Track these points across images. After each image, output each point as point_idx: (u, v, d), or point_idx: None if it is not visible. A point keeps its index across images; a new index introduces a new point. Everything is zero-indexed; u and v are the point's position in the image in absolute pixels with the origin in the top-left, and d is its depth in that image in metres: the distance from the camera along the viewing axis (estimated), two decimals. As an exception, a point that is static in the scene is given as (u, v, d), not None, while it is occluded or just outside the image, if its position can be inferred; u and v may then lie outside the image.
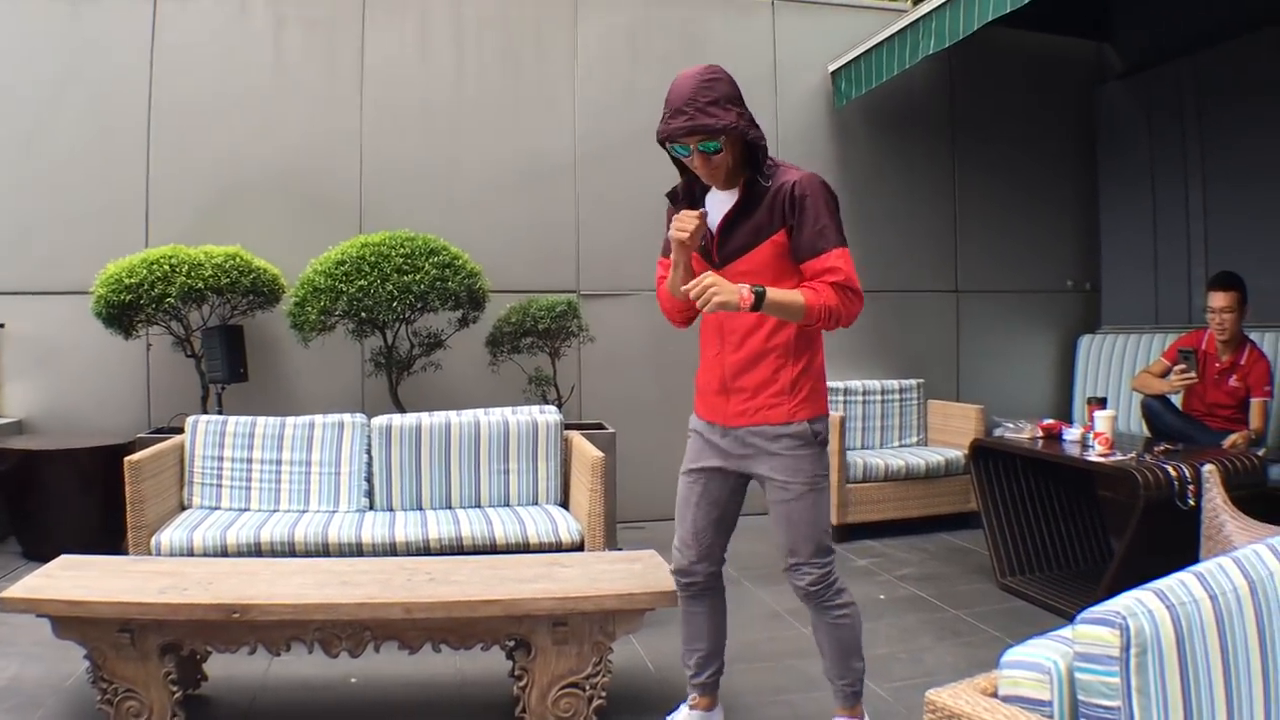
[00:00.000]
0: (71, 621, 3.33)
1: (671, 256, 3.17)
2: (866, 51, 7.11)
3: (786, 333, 3.12)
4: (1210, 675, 1.78)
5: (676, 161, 3.18)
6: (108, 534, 5.52)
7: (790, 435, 3.13)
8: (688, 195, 3.24)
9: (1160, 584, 1.83)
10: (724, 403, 3.23)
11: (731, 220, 3.10)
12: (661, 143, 3.06)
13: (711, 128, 2.91)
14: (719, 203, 3.16)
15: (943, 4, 6.13)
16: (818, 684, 3.49)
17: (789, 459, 3.13)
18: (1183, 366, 5.64)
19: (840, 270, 3.00)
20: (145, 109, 6.66)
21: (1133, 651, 1.68)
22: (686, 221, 2.98)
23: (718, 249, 3.13)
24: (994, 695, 1.85)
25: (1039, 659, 1.80)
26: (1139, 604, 1.74)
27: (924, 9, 6.36)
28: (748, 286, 2.90)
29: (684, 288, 2.99)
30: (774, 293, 2.93)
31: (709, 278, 2.89)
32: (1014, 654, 1.85)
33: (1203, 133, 7.22)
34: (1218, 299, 5.63)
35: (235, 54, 6.81)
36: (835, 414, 6.62)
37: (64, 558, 3.78)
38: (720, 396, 3.24)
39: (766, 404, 3.15)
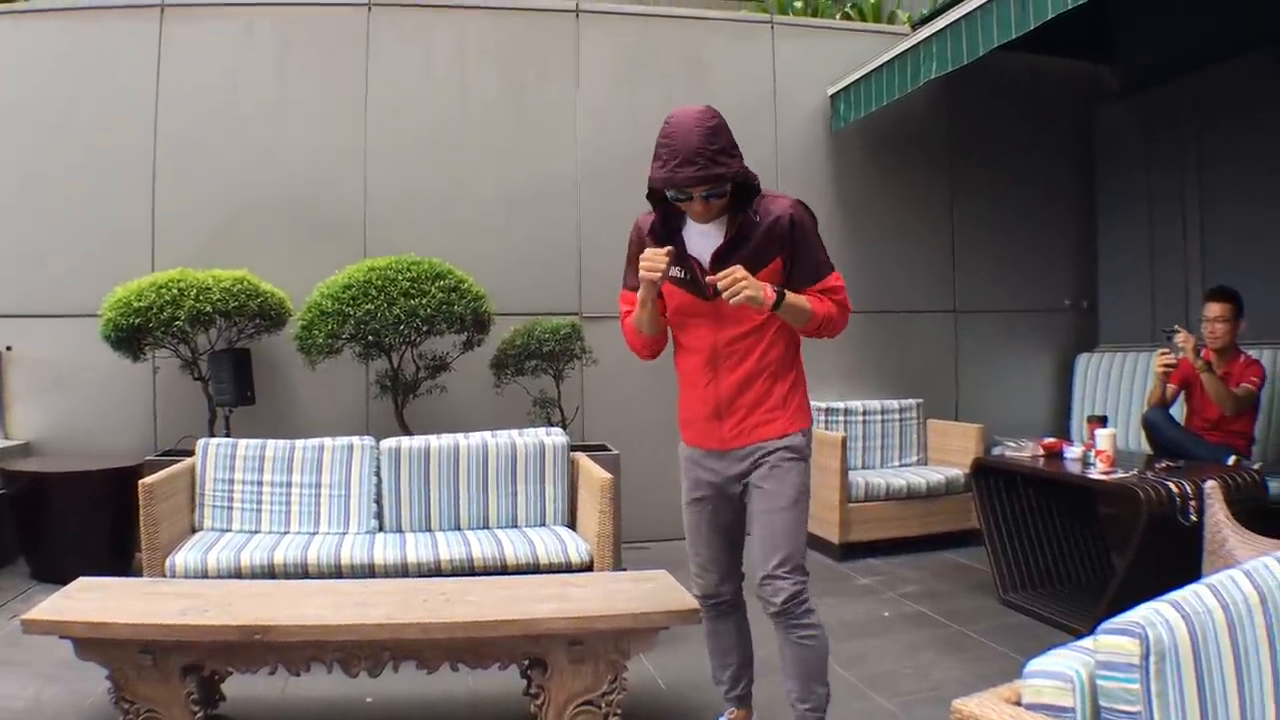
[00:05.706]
0: (94, 643, 3.37)
1: (639, 294, 3.19)
2: (866, 75, 7.17)
3: (777, 350, 3.23)
4: (1224, 680, 1.87)
5: (653, 196, 3.18)
6: (117, 555, 5.58)
7: (786, 447, 3.22)
8: (664, 228, 3.24)
9: (1175, 595, 1.92)
10: (718, 426, 3.29)
11: (725, 252, 3.13)
12: (658, 189, 3.07)
13: (724, 177, 2.98)
14: (700, 234, 3.20)
15: (944, 29, 6.20)
16: (842, 693, 3.49)
17: (781, 470, 3.20)
18: (1164, 350, 5.66)
19: (840, 290, 3.21)
20: (151, 132, 6.73)
21: (1152, 659, 1.76)
22: (658, 260, 3.02)
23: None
24: (1018, 703, 1.91)
25: (1062, 668, 1.87)
26: (1157, 614, 1.83)
27: (925, 33, 6.43)
28: (770, 285, 3.01)
29: (711, 279, 3.02)
30: (790, 295, 3.07)
31: (740, 270, 2.96)
32: (1037, 664, 1.91)
33: (1201, 151, 7.26)
34: (1213, 309, 5.69)
35: (240, 77, 6.89)
36: (837, 434, 6.69)
37: (82, 580, 3.81)
38: (713, 422, 3.29)
39: (763, 420, 3.23)
